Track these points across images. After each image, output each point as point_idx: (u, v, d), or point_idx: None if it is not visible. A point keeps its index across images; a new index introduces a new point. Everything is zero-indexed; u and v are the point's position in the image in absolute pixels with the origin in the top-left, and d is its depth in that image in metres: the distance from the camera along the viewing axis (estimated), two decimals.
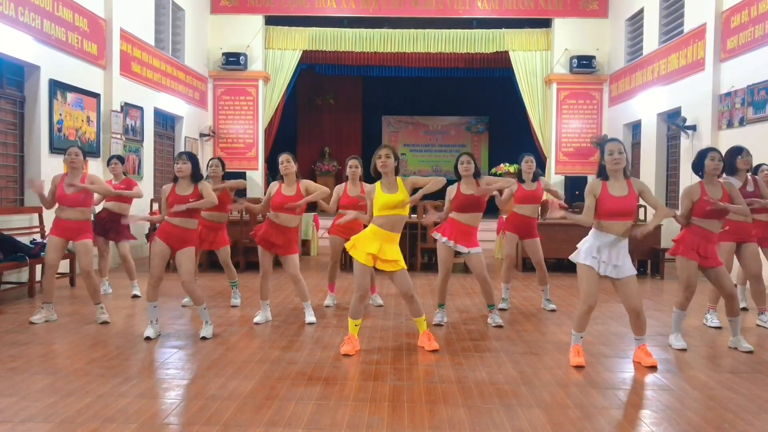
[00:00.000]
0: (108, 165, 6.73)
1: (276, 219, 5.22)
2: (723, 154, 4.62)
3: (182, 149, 11.44)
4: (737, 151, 5.16)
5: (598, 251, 4.07)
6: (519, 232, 6.05)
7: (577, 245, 4.23)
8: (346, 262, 8.83)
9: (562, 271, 8.70)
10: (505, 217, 9.33)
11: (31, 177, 5.61)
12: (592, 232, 4.16)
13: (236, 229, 8.53)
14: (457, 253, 5.28)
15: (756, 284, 5.20)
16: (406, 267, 4.50)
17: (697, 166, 4.58)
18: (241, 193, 11.70)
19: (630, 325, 4.28)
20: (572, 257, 4.24)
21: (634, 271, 4.11)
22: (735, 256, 5.28)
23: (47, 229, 7.14)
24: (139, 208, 8.90)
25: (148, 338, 4.69)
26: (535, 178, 6.01)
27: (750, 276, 5.21)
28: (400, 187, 4.41)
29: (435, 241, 5.37)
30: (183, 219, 4.71)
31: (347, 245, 4.49)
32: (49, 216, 7.07)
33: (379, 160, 4.41)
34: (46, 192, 5.24)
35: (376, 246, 4.34)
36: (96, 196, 5.75)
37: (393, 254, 4.40)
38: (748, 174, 5.29)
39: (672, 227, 9.28)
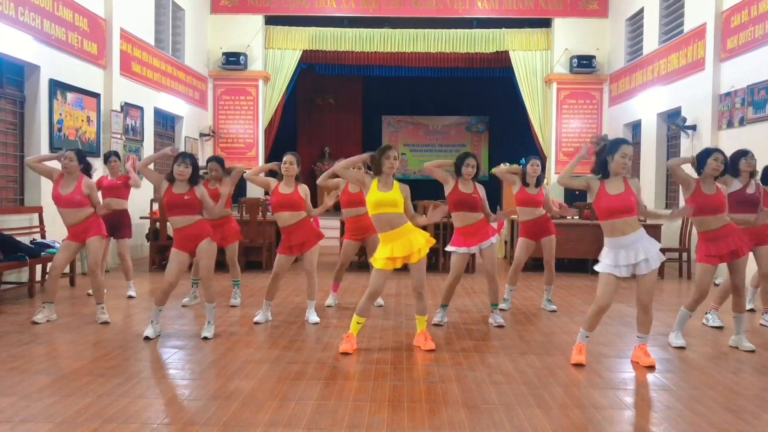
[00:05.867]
0: (107, 162, 6.66)
1: (280, 221, 5.25)
2: (725, 155, 4.63)
3: (182, 149, 11.43)
4: (742, 154, 5.16)
5: (614, 258, 4.04)
6: (534, 236, 6.00)
7: (599, 257, 4.20)
8: (352, 264, 8.80)
9: (562, 270, 8.70)
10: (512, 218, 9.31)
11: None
12: (605, 242, 4.14)
13: None
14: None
15: (766, 284, 5.21)
16: (425, 253, 4.48)
17: (700, 163, 4.59)
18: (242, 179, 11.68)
19: (636, 321, 4.28)
20: (597, 267, 4.20)
21: (655, 265, 4.05)
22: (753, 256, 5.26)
23: (47, 229, 7.16)
24: (139, 208, 8.90)
25: (147, 338, 4.69)
26: (538, 183, 5.96)
27: (762, 275, 5.20)
28: (395, 188, 4.44)
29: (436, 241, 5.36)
30: (179, 219, 4.70)
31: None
32: (49, 216, 7.09)
33: (388, 161, 4.42)
34: (47, 163, 5.40)
35: (388, 249, 4.38)
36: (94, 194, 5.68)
37: (410, 246, 4.38)
38: (752, 178, 5.26)
39: (671, 228, 9.29)
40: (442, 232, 8.22)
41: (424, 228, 5.71)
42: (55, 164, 5.49)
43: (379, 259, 4.44)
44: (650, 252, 4.03)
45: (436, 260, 8.72)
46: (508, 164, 13.10)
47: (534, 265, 8.32)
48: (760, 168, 5.45)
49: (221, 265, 6.44)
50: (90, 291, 6.22)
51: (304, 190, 5.30)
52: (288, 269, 5.45)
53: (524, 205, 5.95)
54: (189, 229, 4.72)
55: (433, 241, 4.55)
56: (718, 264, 4.62)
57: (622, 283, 4.16)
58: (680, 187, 4.78)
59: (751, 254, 4.93)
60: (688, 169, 4.81)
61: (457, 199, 5.12)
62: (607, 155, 4.07)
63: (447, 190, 5.16)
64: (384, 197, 4.38)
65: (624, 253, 4.02)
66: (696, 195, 4.54)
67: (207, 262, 4.80)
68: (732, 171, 5.10)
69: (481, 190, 5.20)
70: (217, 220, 5.85)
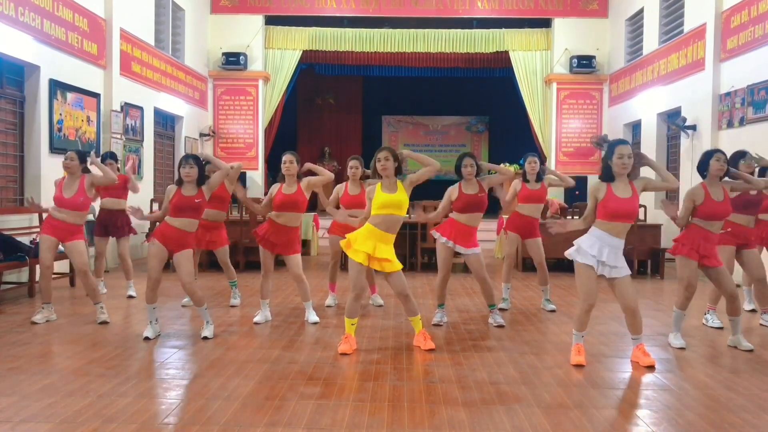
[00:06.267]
0: (103, 163, 6.64)
1: (278, 219, 5.24)
2: (726, 154, 4.62)
3: (182, 149, 11.45)
4: (740, 156, 5.17)
5: (599, 251, 4.05)
6: (520, 232, 6.04)
7: (574, 241, 4.20)
8: (345, 262, 8.81)
9: (562, 270, 8.70)
10: (506, 217, 9.33)
11: (29, 197, 5.68)
12: (593, 231, 4.13)
13: (236, 228, 8.53)
14: (457, 253, 5.28)
15: (761, 287, 5.20)
16: (400, 267, 4.48)
17: (702, 166, 4.59)
18: (242, 178, 11.68)
19: (626, 324, 4.28)
20: (568, 253, 4.21)
21: (629, 271, 4.13)
22: (735, 260, 5.27)
23: None
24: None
25: (147, 338, 4.69)
26: (539, 179, 6.00)
27: (755, 280, 5.21)
28: (400, 188, 4.43)
29: (435, 240, 5.37)
30: (184, 221, 4.70)
31: (342, 243, 4.51)
32: None
33: (378, 164, 4.41)
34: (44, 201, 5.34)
35: (371, 245, 4.35)
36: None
37: (386, 254, 4.39)
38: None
39: (672, 227, 9.27)
40: None
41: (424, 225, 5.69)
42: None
43: (359, 251, 4.35)
44: (620, 263, 4.09)
45: (437, 260, 8.71)
46: (507, 164, 13.16)
47: (533, 265, 8.30)
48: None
49: (218, 266, 6.46)
50: None
51: (305, 184, 5.29)
52: (275, 264, 5.44)
53: (527, 201, 5.97)
54: (182, 234, 4.71)
55: (400, 268, 4.49)
56: (696, 259, 4.54)
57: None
58: (680, 188, 4.75)
59: (735, 262, 4.97)
60: (686, 175, 4.78)
61: (464, 202, 5.10)
62: (608, 159, 4.10)
63: (452, 197, 5.15)
64: (389, 198, 4.37)
65: (608, 251, 4.05)
66: (706, 203, 4.49)
67: (187, 268, 4.77)
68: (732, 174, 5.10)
69: (485, 184, 5.18)
70: (210, 222, 5.87)
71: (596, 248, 4.06)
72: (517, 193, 6.01)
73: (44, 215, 7.09)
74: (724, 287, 4.57)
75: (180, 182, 4.74)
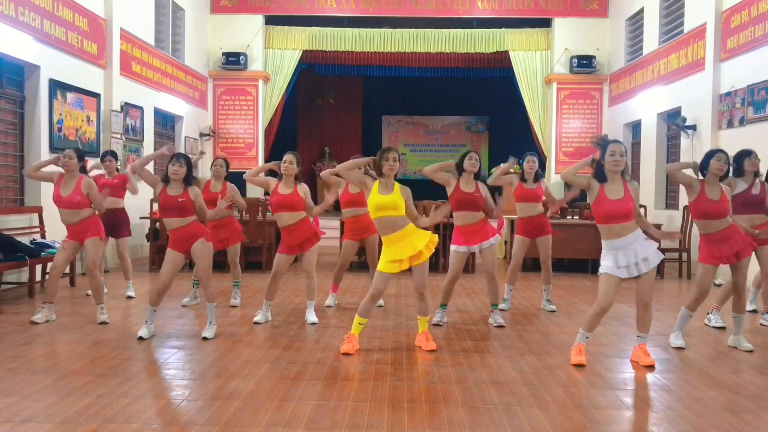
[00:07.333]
0: (102, 161, 6.67)
1: (279, 221, 5.25)
2: (728, 155, 4.62)
3: (182, 149, 11.45)
4: (746, 154, 5.16)
5: (614, 260, 4.05)
6: (530, 234, 6.01)
7: (600, 260, 4.20)
8: (352, 264, 8.78)
9: (562, 270, 8.70)
10: (506, 218, 9.32)
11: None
12: (603, 244, 4.15)
13: None
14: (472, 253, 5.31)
15: None
16: (431, 253, 4.45)
17: (704, 166, 4.59)
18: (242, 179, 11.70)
19: (636, 319, 4.28)
20: (599, 270, 4.19)
21: (659, 258, 4.08)
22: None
23: (47, 229, 7.15)
24: (139, 208, 8.90)
25: (141, 338, 4.68)
26: (536, 179, 5.99)
27: (766, 275, 5.18)
28: (396, 190, 4.43)
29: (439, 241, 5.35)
30: (172, 221, 4.68)
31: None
32: (49, 216, 7.09)
33: (386, 163, 4.40)
34: (48, 168, 5.40)
35: (391, 252, 4.37)
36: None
37: (412, 247, 4.34)
38: (756, 178, 5.25)
39: (671, 228, 9.27)
40: (442, 232, 8.22)
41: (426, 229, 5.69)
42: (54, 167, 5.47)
43: (383, 262, 4.43)
44: (648, 251, 4.05)
45: (437, 260, 8.72)
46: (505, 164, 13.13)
47: (533, 265, 8.32)
48: (763, 169, 5.44)
49: (222, 265, 6.45)
50: (89, 291, 6.21)
51: (303, 189, 5.30)
52: (287, 269, 5.45)
53: (523, 200, 5.96)
54: (183, 230, 4.71)
55: (437, 239, 4.51)
56: (719, 264, 4.61)
57: (622, 283, 4.16)
58: (680, 188, 4.77)
59: (753, 254, 4.92)
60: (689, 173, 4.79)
61: (460, 198, 5.11)
62: (602, 160, 4.12)
63: (449, 190, 5.16)
64: (385, 200, 4.36)
65: (622, 254, 4.04)
66: (700, 200, 4.51)
67: (204, 262, 4.79)
68: (736, 171, 5.10)
69: (483, 188, 5.20)
70: (218, 221, 5.86)
71: (611, 258, 4.07)
72: (513, 189, 5.98)
73: (43, 215, 7.14)
74: (736, 277, 4.61)
75: (167, 179, 4.73)
